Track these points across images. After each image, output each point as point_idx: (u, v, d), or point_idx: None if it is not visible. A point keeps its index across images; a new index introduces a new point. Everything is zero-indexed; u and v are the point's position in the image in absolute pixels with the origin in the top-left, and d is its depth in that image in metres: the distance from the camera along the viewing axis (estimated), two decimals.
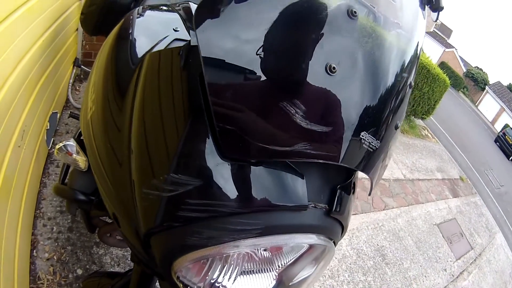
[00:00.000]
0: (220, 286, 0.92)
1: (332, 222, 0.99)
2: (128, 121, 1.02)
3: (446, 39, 54.41)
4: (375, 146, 0.92)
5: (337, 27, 0.86)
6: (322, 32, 0.84)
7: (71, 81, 4.09)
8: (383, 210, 6.82)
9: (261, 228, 0.84)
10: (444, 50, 49.99)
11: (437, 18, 1.52)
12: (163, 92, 0.98)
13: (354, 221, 5.85)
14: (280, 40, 0.83)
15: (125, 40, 1.28)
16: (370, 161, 0.96)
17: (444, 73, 13.18)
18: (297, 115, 0.81)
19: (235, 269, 0.93)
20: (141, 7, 1.45)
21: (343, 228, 1.08)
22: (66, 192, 1.57)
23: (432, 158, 11.62)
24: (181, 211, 0.83)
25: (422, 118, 13.84)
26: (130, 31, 1.31)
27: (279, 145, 0.82)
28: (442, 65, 42.06)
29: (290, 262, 1.00)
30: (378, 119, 0.92)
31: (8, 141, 2.20)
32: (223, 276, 0.91)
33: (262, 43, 0.81)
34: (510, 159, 28.79)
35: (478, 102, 51.51)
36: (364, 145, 0.90)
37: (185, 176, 0.83)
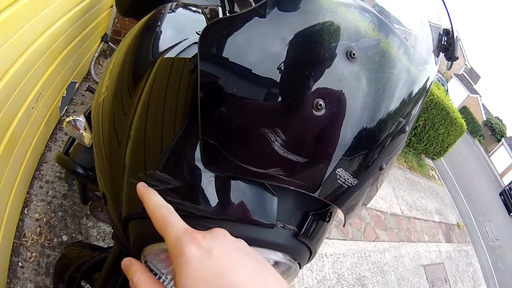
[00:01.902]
0: None
1: (299, 245, 1.01)
2: (134, 109, 1.07)
3: (472, 84, 53.91)
4: (351, 183, 0.95)
5: (332, 67, 0.87)
6: (315, 69, 0.86)
7: (96, 55, 4.15)
8: (373, 241, 6.79)
9: None
10: (468, 95, 49.56)
11: (450, 67, 1.52)
12: (169, 92, 1.02)
13: (342, 247, 5.86)
14: (273, 70, 0.85)
15: (151, 32, 1.32)
16: (344, 196, 0.99)
17: (463, 118, 13.09)
18: (276, 142, 0.84)
19: None
20: (175, 2, 1.46)
21: (311, 253, 1.11)
22: (66, 162, 1.61)
23: (433, 200, 11.53)
24: None
25: (433, 159, 13.80)
26: (158, 24, 1.35)
27: (255, 166, 0.86)
28: (464, 109, 41.83)
29: None
30: (358, 158, 0.95)
31: (23, 100, 2.27)
32: None
33: (255, 71, 0.84)
34: (511, 214, 28.48)
35: (491, 152, 50.95)
36: (339, 181, 0.93)
37: (168, 176, 0.88)
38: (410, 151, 12.26)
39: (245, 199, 0.90)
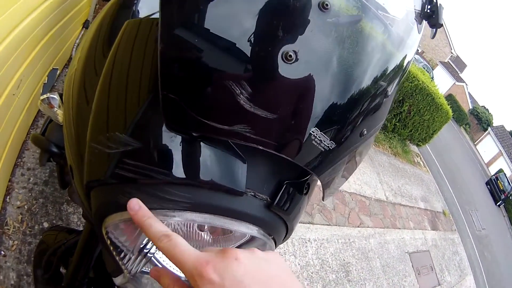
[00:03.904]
0: (149, 254, 0.93)
1: (273, 217, 0.97)
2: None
3: (458, 72, 54.49)
4: (327, 146, 0.90)
5: (304, 18, 0.84)
6: (285, 19, 0.82)
7: (78, 41, 4.13)
8: (358, 227, 6.84)
9: (189, 203, 0.83)
10: (454, 83, 50.03)
11: (433, 36, 1.53)
12: (135, 53, 0.98)
13: (325, 232, 5.87)
14: (239, 20, 0.81)
15: (127, 10, 1.30)
16: (320, 162, 0.94)
17: (449, 106, 13.17)
18: (241, 96, 0.80)
19: None
20: None
21: (287, 230, 1.06)
22: (41, 141, 1.61)
23: (419, 187, 11.61)
24: (118, 169, 0.84)
25: (418, 145, 13.90)
26: (136, 2, 1.33)
27: (218, 123, 0.82)
28: (449, 97, 42.22)
29: None
30: (335, 119, 0.89)
31: (4, 87, 2.28)
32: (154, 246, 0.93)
33: (221, 21, 0.80)
34: (497, 204, 28.91)
35: (477, 141, 51.62)
36: (314, 142, 0.88)
37: (128, 137, 0.85)
38: (394, 136, 12.34)
39: (210, 163, 0.86)
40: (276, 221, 0.98)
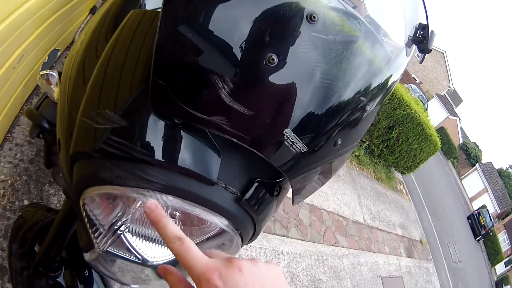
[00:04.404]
0: (119, 232, 0.98)
1: (242, 213, 1.02)
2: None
3: (453, 106, 54.53)
4: (299, 149, 0.94)
5: (291, 27, 0.89)
6: (274, 26, 0.87)
7: (82, 26, 4.12)
8: (332, 245, 6.86)
9: (163, 185, 0.88)
10: (447, 116, 50.01)
11: (422, 60, 1.62)
12: (135, 39, 1.05)
13: (299, 247, 5.89)
14: (232, 22, 0.86)
15: (135, 1, 1.35)
16: (292, 164, 0.98)
17: (439, 138, 13.24)
18: (223, 90, 0.85)
19: (138, 225, 1.01)
20: None
21: (255, 229, 1.12)
22: (34, 115, 1.63)
23: (398, 213, 11.62)
24: (103, 144, 0.89)
25: (402, 173, 13.93)
26: None
27: (199, 112, 0.87)
28: (441, 130, 42.24)
29: (197, 241, 1.07)
30: (310, 124, 0.94)
31: (5, 59, 2.32)
32: (124, 224, 0.98)
33: (215, 21, 0.86)
34: (477, 238, 29.00)
35: (464, 176, 51.51)
36: (286, 143, 0.92)
37: (117, 115, 0.90)
38: (380, 162, 12.38)
39: (188, 150, 0.92)
40: (245, 217, 1.03)
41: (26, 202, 2.81)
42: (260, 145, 0.91)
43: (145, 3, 1.34)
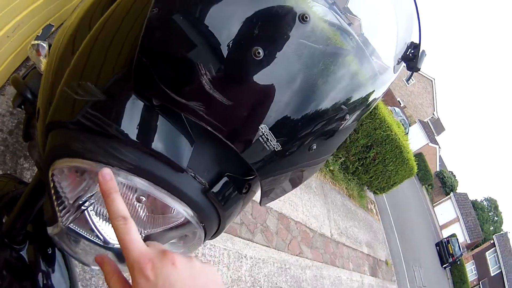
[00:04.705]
0: (83, 208, 1.00)
1: (208, 206, 1.01)
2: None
3: (435, 134, 54.91)
4: (273, 147, 0.94)
5: (282, 25, 0.90)
6: (265, 22, 0.88)
7: (80, 4, 4.04)
8: (296, 255, 6.87)
9: (133, 165, 0.88)
10: (427, 143, 50.24)
11: (408, 78, 1.60)
12: (129, 16, 1.04)
13: (263, 253, 5.90)
14: (223, 8, 0.87)
15: None
16: (266, 165, 0.99)
17: (415, 163, 13.38)
18: (204, 76, 0.85)
19: (103, 205, 1.02)
20: None
21: (219, 225, 1.11)
22: (19, 84, 1.60)
23: (366, 232, 11.68)
24: (79, 116, 0.89)
25: (375, 193, 14.06)
26: None
27: (178, 95, 0.87)
28: (419, 155, 42.40)
29: (160, 230, 1.07)
30: (287, 124, 0.94)
31: (1, 26, 2.37)
32: (89, 200, 0.99)
33: (205, 9, 0.87)
34: (443, 266, 29.34)
35: (437, 203, 51.76)
36: (260, 139, 0.92)
37: (98, 89, 0.90)
38: (354, 179, 12.43)
39: (161, 133, 0.91)
40: (211, 210, 1.02)
41: None
42: (234, 137, 0.91)
43: None
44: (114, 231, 0.72)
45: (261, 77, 0.88)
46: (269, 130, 0.91)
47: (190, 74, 0.86)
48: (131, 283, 0.68)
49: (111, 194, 0.76)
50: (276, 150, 0.95)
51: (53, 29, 3.74)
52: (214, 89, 0.86)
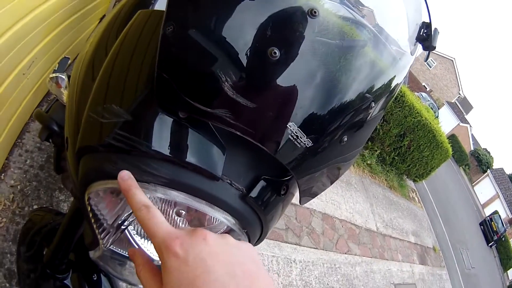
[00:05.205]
0: (122, 227, 1.01)
1: (248, 210, 1.01)
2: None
3: (464, 113, 54.39)
4: (304, 143, 0.93)
5: (293, 22, 0.90)
6: (277, 22, 0.88)
7: (93, 34, 4.05)
8: (345, 253, 6.80)
9: (168, 179, 0.88)
10: (458, 124, 49.87)
11: (426, 58, 1.62)
12: (142, 38, 1.06)
13: (312, 255, 5.85)
14: (235, 17, 0.88)
15: (148, 2, 1.38)
16: (301, 164, 0.98)
17: (450, 145, 13.18)
18: (226, 83, 0.85)
19: None
20: None
21: (262, 230, 1.10)
22: (43, 117, 1.61)
23: (411, 221, 11.55)
24: (108, 138, 0.89)
25: (414, 181, 13.87)
26: (153, 2, 1.42)
27: (202, 105, 0.87)
28: (452, 137, 41.85)
29: None
30: (314, 119, 0.93)
31: (15, 64, 2.34)
32: (128, 219, 1.00)
33: (218, 17, 0.88)
34: (489, 244, 28.91)
35: (475, 182, 51.18)
36: (290, 137, 0.91)
37: (122, 110, 0.91)
38: (392, 170, 12.30)
39: (191, 144, 0.91)
40: (252, 216, 1.02)
41: (35, 207, 2.81)
42: (263, 139, 0.90)
43: (157, 2, 1.36)
44: (139, 222, 0.71)
45: (281, 77, 0.88)
46: (298, 127, 0.91)
47: (211, 83, 0.87)
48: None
49: (130, 190, 0.76)
50: (308, 146, 0.94)
51: (70, 61, 3.73)
52: (237, 94, 0.86)
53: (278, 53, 0.85)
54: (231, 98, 0.86)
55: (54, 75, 1.61)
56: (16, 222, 2.67)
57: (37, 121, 1.67)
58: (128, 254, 0.78)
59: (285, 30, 0.89)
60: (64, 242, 1.56)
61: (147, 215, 0.70)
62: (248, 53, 0.86)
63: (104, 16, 4.20)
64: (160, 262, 0.66)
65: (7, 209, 2.67)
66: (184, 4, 0.91)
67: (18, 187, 2.81)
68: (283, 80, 0.88)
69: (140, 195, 0.75)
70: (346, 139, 1.04)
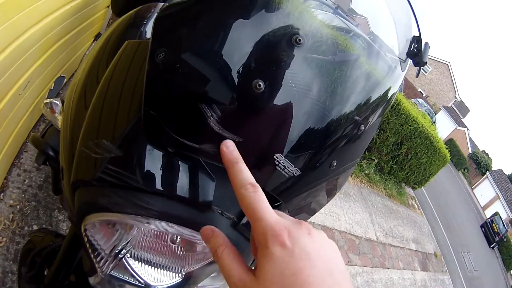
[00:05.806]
0: (120, 255, 1.01)
1: (240, 238, 1.01)
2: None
3: (461, 117, 54.14)
4: (292, 173, 0.95)
5: (278, 52, 0.90)
6: (261, 53, 0.88)
7: (88, 52, 4.01)
8: (345, 264, 6.72)
9: (159, 212, 0.90)
10: (455, 128, 49.74)
11: (417, 74, 1.61)
12: (131, 70, 1.07)
13: None
14: (219, 53, 0.88)
15: (135, 29, 1.38)
16: (286, 189, 1.00)
17: (448, 150, 13.16)
18: (211, 118, 0.86)
19: (141, 250, 1.03)
20: (167, 3, 1.34)
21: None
22: (39, 142, 1.64)
23: (411, 228, 11.51)
24: (101, 173, 0.92)
25: (413, 188, 13.83)
26: (145, 22, 1.40)
27: (189, 141, 0.89)
28: (450, 142, 41.81)
29: (199, 266, 1.07)
30: (300, 147, 0.94)
31: (11, 85, 2.35)
32: (125, 248, 1.01)
33: (201, 51, 0.90)
34: (491, 246, 28.81)
35: (475, 185, 51.11)
36: (277, 167, 0.93)
37: (113, 146, 0.93)
38: (390, 178, 12.27)
39: (181, 176, 0.93)
40: (244, 242, 1.02)
41: (35, 227, 2.84)
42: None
43: (145, 31, 1.35)
44: (241, 200, 0.70)
45: (266, 109, 0.89)
46: (285, 158, 0.92)
47: (197, 119, 0.87)
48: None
49: (237, 163, 0.76)
50: (296, 175, 0.96)
51: (65, 80, 3.81)
52: (223, 129, 0.87)
53: (262, 85, 0.86)
54: (218, 133, 0.87)
55: (48, 100, 1.63)
56: (16, 241, 2.69)
57: (33, 146, 1.71)
58: (201, 234, 0.76)
59: (269, 61, 0.89)
60: (65, 265, 1.58)
61: (255, 196, 0.69)
62: (233, 87, 0.87)
63: (99, 34, 4.31)
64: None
65: (7, 229, 2.70)
66: (167, 39, 0.94)
67: (17, 206, 2.84)
68: (269, 112, 0.89)
69: (247, 172, 0.75)
70: (335, 163, 1.07)
